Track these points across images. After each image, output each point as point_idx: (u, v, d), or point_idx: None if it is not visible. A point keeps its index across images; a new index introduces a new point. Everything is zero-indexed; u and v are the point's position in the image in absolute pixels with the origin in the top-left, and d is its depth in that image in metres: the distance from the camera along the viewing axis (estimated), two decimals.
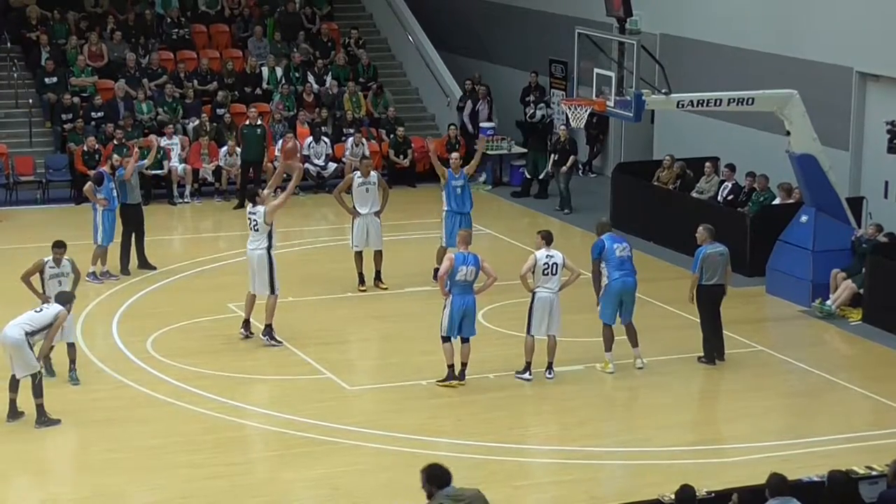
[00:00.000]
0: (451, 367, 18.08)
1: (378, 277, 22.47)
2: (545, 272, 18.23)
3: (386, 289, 22.34)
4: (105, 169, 23.07)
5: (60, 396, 17.57)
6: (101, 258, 22.62)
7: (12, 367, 16.76)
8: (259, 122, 28.50)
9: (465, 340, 18.11)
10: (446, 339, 18.07)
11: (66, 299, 17.36)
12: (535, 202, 28.76)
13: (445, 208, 22.36)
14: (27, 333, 16.62)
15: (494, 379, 18.40)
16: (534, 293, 18.29)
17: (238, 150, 28.53)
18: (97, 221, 22.50)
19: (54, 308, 17.01)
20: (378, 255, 22.36)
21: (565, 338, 19.47)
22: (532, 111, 30.31)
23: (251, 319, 19.85)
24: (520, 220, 27.50)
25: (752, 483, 13.01)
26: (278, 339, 19.65)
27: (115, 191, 22.70)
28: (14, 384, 16.77)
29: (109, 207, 22.57)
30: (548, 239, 18.46)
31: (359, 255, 22.24)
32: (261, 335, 19.63)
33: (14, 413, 16.83)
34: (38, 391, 16.68)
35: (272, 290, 19.54)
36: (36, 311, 16.98)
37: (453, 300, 17.89)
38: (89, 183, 22.84)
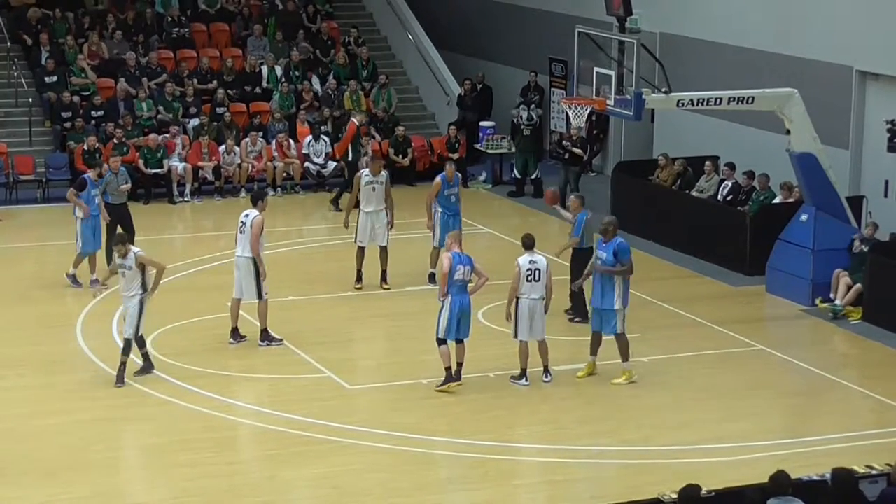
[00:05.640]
0: (448, 369, 17.95)
1: (383, 278, 22.41)
2: (528, 279, 17.99)
3: (388, 289, 22.32)
4: (90, 175, 22.59)
5: (60, 396, 17.59)
6: (78, 264, 22.17)
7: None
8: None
9: (459, 341, 17.98)
10: (442, 342, 17.90)
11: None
12: (533, 201, 28.77)
13: (439, 209, 22.45)
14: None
15: (494, 378, 18.39)
16: (518, 299, 18.12)
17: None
18: (77, 228, 22.12)
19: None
20: (383, 252, 22.28)
21: (565, 337, 19.48)
22: (519, 112, 30.26)
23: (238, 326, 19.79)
24: (519, 220, 27.49)
25: (752, 482, 13.01)
26: (277, 336, 19.63)
27: (97, 198, 22.19)
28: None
29: (90, 215, 22.02)
30: (527, 244, 18.29)
31: (361, 251, 22.18)
32: (258, 342, 19.58)
33: None
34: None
35: (260, 297, 19.49)
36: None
37: (452, 300, 17.78)
38: (71, 189, 22.43)
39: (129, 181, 23.72)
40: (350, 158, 27.88)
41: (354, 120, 28.33)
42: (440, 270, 18.29)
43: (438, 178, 22.48)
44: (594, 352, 18.62)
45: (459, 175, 23.09)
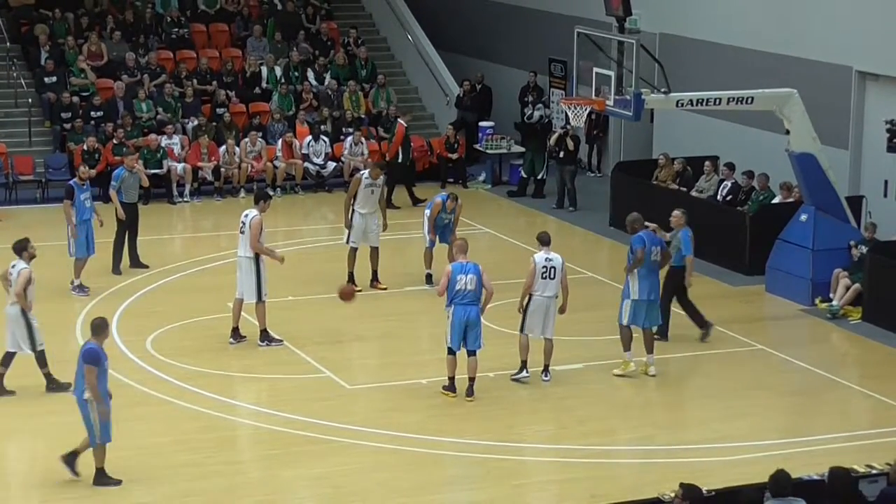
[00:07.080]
0: (451, 378, 17.74)
1: (375, 278, 22.37)
2: (543, 276, 17.99)
3: (385, 289, 22.32)
4: (74, 180, 22.26)
5: (61, 395, 17.58)
6: (77, 270, 22.01)
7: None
8: None
9: (471, 353, 17.61)
10: (451, 352, 17.64)
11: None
12: (532, 201, 28.78)
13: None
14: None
15: (494, 378, 18.38)
16: (530, 296, 18.13)
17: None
18: (68, 233, 21.89)
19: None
20: (374, 253, 22.25)
21: (565, 336, 19.47)
22: (530, 112, 30.30)
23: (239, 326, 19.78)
24: (518, 219, 27.51)
25: (753, 482, 13.02)
26: (277, 337, 19.64)
27: (87, 201, 21.95)
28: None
29: (81, 218, 21.74)
30: (543, 240, 18.27)
31: (354, 252, 22.14)
32: (258, 342, 19.58)
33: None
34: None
35: (259, 298, 19.49)
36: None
37: (454, 311, 17.43)
38: (65, 200, 22.05)
39: (147, 179, 23.79)
40: (400, 160, 27.97)
41: (402, 122, 28.38)
42: (439, 285, 17.90)
43: (439, 200, 22.43)
44: (647, 349, 18.82)
45: (460, 206, 22.74)
